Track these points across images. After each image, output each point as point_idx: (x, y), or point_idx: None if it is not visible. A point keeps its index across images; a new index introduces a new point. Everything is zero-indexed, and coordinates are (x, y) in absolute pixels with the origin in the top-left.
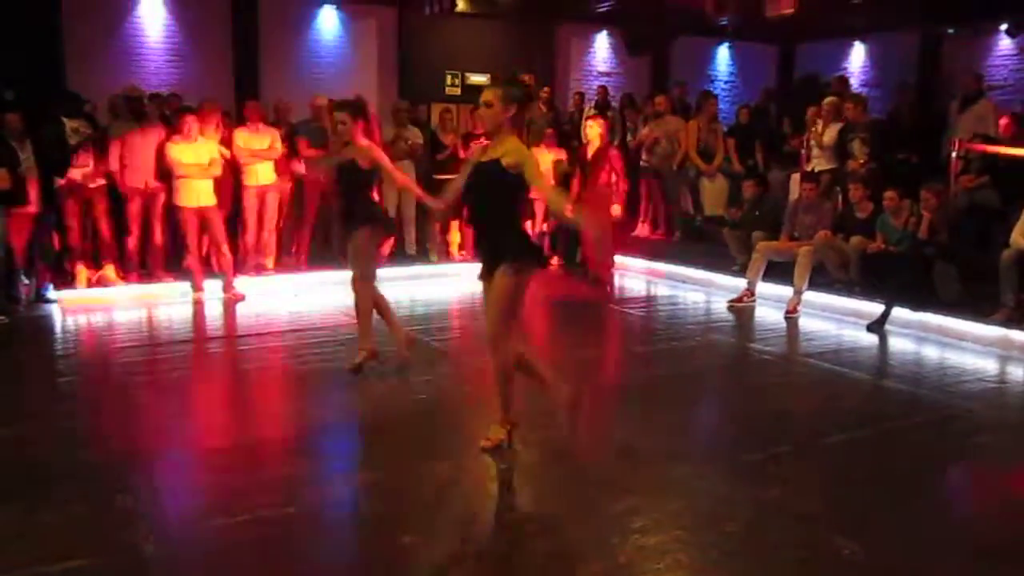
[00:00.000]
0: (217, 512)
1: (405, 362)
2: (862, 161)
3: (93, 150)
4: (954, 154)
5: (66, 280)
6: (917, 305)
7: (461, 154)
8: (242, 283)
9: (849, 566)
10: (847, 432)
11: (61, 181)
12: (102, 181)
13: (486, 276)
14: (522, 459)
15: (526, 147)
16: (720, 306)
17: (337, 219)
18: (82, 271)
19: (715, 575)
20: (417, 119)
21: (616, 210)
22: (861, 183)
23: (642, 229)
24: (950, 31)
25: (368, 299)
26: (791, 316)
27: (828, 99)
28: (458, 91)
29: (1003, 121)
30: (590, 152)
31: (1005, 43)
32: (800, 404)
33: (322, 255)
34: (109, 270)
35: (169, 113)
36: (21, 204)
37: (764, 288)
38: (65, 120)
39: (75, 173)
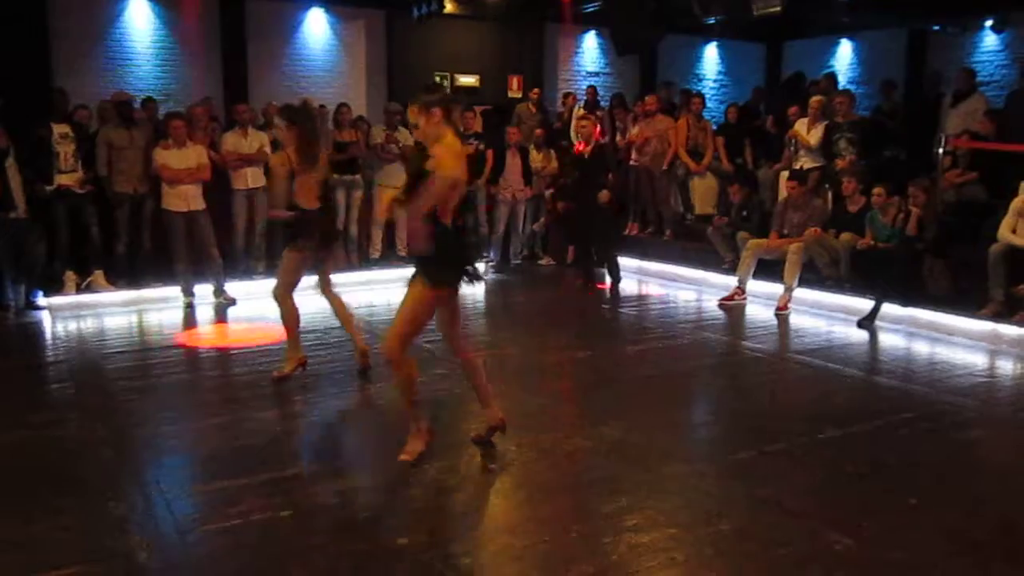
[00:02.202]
0: (210, 517)
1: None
2: (849, 159)
3: (82, 156)
4: (941, 150)
5: (55, 286)
6: (907, 301)
7: None
8: (232, 287)
9: (843, 561)
10: (839, 428)
11: (50, 187)
12: (91, 187)
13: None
14: (514, 459)
15: (455, 145)
16: (711, 304)
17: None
18: (70, 277)
19: (709, 573)
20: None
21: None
22: (854, 177)
23: (632, 228)
24: (936, 28)
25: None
26: (782, 313)
27: (814, 98)
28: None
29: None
30: (587, 151)
31: (991, 39)
32: (791, 401)
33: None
34: (98, 276)
35: (160, 118)
36: (7, 211)
37: (755, 286)
38: (53, 126)
39: (64, 179)
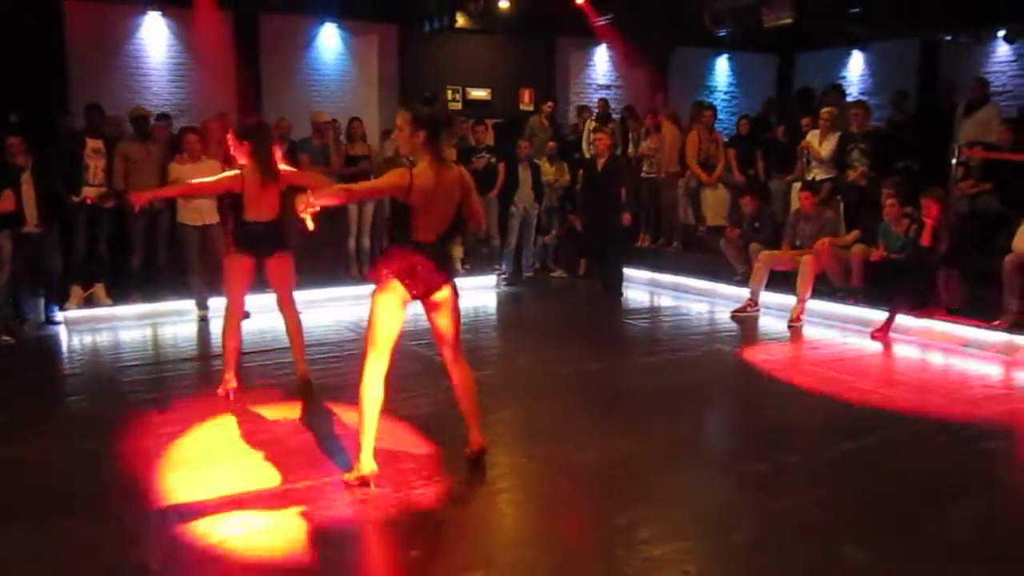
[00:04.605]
0: (223, 528)
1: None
2: (861, 171)
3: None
4: (954, 161)
5: (63, 299)
6: (920, 312)
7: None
8: (247, 300)
9: (856, 575)
10: (853, 441)
11: (77, 198)
12: (112, 202)
13: None
14: (527, 472)
15: (430, 168)
16: (723, 316)
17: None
18: (76, 291)
19: None
20: None
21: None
22: (892, 187)
23: (644, 239)
24: (948, 38)
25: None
26: (795, 325)
27: (825, 109)
28: (459, 106)
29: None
30: (600, 164)
31: (1003, 50)
32: (805, 413)
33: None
34: (99, 289)
35: (176, 132)
36: (21, 225)
37: (767, 297)
38: (88, 140)
39: (90, 191)
